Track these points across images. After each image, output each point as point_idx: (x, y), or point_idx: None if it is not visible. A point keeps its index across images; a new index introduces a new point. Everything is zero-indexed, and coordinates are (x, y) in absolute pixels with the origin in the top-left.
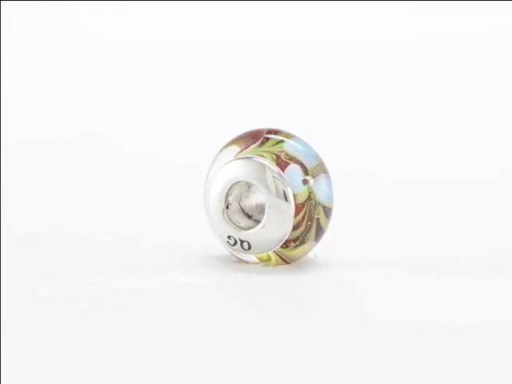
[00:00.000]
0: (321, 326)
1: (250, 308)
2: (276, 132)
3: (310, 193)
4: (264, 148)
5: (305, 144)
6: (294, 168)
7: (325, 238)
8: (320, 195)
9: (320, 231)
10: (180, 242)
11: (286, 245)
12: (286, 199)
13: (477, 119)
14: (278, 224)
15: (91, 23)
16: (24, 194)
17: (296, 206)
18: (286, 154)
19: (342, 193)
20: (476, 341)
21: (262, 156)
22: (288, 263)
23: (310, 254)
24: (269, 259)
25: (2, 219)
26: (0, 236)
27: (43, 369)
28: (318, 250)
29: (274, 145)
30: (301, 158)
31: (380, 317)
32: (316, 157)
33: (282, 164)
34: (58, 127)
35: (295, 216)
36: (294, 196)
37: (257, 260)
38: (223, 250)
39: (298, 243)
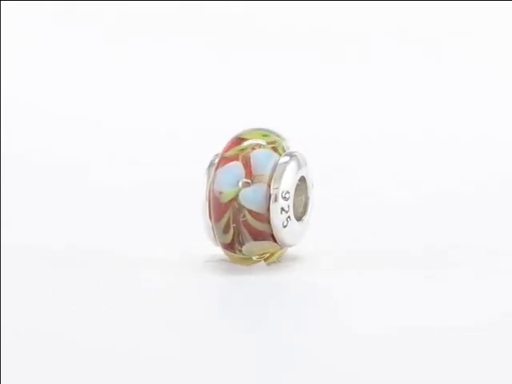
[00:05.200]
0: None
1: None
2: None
3: (236, 195)
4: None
5: (270, 154)
6: (234, 166)
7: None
8: (247, 200)
9: (255, 232)
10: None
11: (233, 250)
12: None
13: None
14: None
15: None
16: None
17: (220, 204)
18: (246, 154)
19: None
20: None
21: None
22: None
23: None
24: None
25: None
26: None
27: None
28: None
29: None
30: (253, 162)
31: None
32: (270, 168)
33: (232, 157)
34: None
35: (222, 217)
36: (220, 193)
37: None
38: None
39: (238, 245)
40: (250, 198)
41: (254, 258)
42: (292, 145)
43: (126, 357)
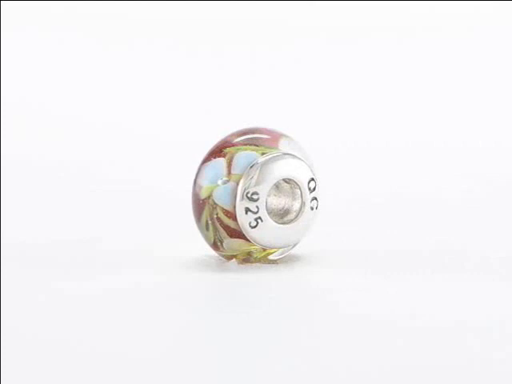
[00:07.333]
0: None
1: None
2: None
3: (211, 191)
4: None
5: (252, 155)
6: (218, 163)
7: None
8: (218, 197)
9: (230, 230)
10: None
11: (218, 249)
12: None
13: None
14: None
15: None
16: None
17: (199, 201)
18: (232, 154)
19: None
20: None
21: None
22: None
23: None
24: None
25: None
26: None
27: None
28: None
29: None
30: (234, 161)
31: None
32: (247, 168)
33: (219, 153)
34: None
35: (201, 215)
36: (200, 189)
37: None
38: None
39: (220, 243)
40: (221, 195)
41: (252, 249)
42: (299, 145)
43: (121, 355)
